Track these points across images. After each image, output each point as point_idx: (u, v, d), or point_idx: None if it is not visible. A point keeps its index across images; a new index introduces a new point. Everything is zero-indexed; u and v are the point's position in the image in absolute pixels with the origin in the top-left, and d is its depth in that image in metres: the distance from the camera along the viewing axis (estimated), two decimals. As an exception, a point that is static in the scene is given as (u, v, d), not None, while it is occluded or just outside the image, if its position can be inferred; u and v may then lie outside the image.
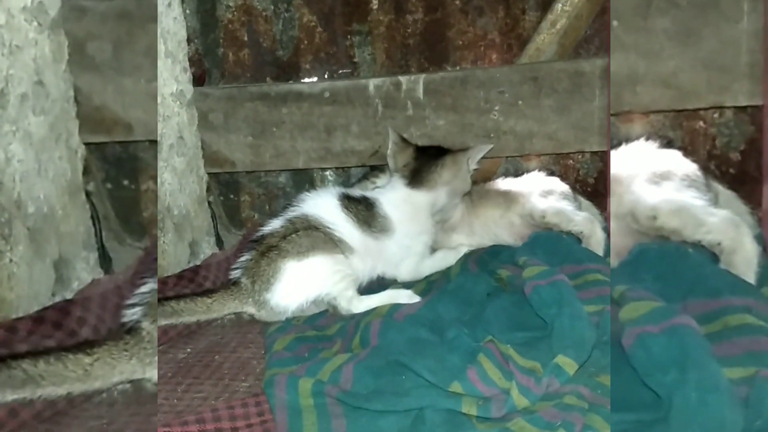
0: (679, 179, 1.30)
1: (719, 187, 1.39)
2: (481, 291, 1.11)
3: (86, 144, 1.40)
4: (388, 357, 0.93)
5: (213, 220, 1.63)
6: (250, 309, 1.20)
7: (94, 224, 1.43)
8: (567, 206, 1.41)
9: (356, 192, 1.37)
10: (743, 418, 0.76)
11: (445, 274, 1.32)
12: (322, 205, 1.29)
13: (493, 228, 1.45)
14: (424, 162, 1.39)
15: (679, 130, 1.54)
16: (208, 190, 1.62)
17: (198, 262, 1.45)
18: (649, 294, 0.97)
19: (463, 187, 1.41)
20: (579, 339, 0.91)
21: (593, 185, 1.62)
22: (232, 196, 1.76)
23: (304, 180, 1.70)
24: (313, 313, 1.24)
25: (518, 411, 0.83)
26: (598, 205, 1.56)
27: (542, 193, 1.44)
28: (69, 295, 1.28)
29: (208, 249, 1.54)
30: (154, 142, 1.58)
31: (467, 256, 1.35)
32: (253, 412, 0.91)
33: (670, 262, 1.10)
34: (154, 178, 1.61)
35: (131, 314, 1.07)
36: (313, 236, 1.21)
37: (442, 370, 0.88)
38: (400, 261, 1.34)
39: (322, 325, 1.19)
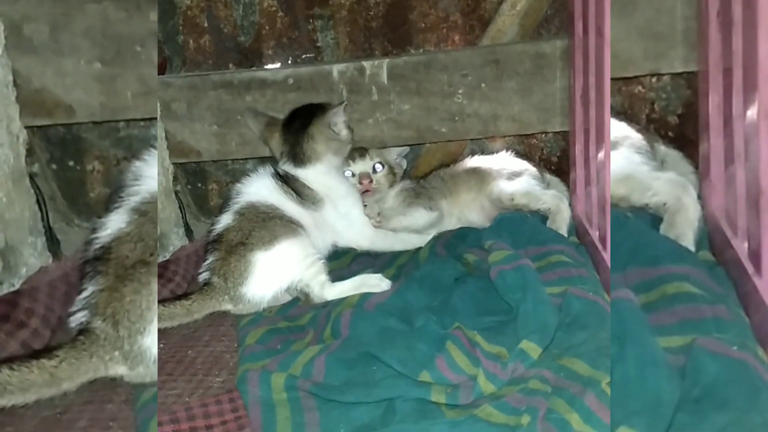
0: (626, 147, 1.34)
1: (665, 149, 1.44)
2: (449, 277, 1.14)
3: (28, 127, 1.39)
4: (358, 348, 0.96)
5: (181, 211, 1.62)
6: (227, 306, 1.21)
7: (40, 208, 1.42)
8: (534, 186, 1.43)
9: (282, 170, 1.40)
10: (679, 388, 0.80)
11: (414, 258, 1.34)
12: (262, 188, 1.31)
13: (466, 213, 1.47)
14: (293, 141, 1.39)
15: (618, 96, 1.58)
16: (175, 179, 1.61)
17: (167, 255, 1.45)
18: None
19: (342, 146, 1.42)
20: (542, 323, 0.94)
21: (557, 163, 1.65)
22: (199, 185, 1.75)
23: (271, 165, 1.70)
24: (286, 301, 1.26)
25: (485, 397, 0.86)
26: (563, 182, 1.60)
27: (510, 175, 1.46)
28: (17, 283, 1.27)
29: (177, 240, 1.54)
30: (97, 123, 1.57)
31: (436, 239, 1.37)
32: (227, 409, 0.93)
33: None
34: (100, 158, 1.61)
35: (80, 317, 1.06)
36: (272, 223, 1.23)
37: (411, 360, 0.91)
38: (344, 229, 1.37)
39: (293, 315, 1.20)
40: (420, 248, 1.36)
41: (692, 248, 1.20)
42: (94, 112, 1.47)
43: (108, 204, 1.19)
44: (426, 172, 1.58)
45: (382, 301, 1.10)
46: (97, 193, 1.64)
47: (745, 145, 1.05)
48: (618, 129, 1.36)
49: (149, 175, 1.20)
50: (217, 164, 1.71)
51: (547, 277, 1.11)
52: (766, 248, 0.95)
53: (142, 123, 1.59)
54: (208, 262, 1.23)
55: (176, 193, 1.60)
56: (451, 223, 1.47)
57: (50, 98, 1.44)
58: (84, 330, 1.04)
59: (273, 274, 1.20)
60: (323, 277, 1.22)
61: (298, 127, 1.39)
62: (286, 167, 1.39)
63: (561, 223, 1.34)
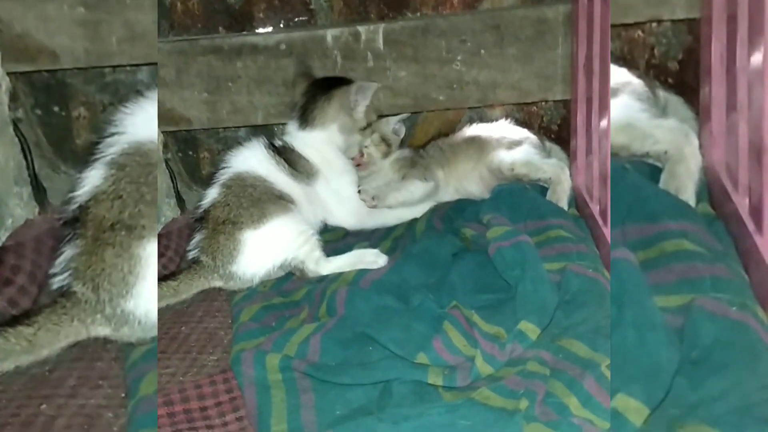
0: (626, 95, 1.31)
1: (666, 95, 1.40)
2: (446, 253, 1.12)
3: (11, 73, 1.35)
4: (354, 328, 0.94)
5: (172, 180, 1.58)
6: (217, 283, 1.18)
7: (25, 156, 1.38)
8: (535, 155, 1.40)
9: (278, 141, 1.36)
10: (678, 353, 0.80)
11: (410, 231, 1.32)
12: (252, 158, 1.26)
13: (465, 183, 1.44)
14: (311, 98, 1.37)
15: (617, 41, 1.52)
16: (165, 147, 1.57)
17: (159, 227, 1.42)
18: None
19: (352, 124, 1.38)
20: (541, 303, 0.93)
21: (557, 132, 1.61)
22: (190, 153, 1.70)
23: (264, 134, 1.65)
24: (280, 276, 1.24)
25: (483, 379, 0.85)
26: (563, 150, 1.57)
27: (510, 144, 1.43)
28: (3, 235, 1.24)
29: (169, 211, 1.51)
30: (82, 69, 1.51)
31: (433, 212, 1.34)
32: (222, 390, 0.92)
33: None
34: (86, 104, 1.56)
35: (60, 280, 1.03)
36: (261, 199, 1.19)
37: (408, 341, 0.89)
38: (335, 207, 1.34)
39: (288, 290, 1.18)
40: (416, 220, 1.33)
41: (692, 201, 1.18)
42: (79, 58, 1.42)
43: (87, 158, 1.09)
44: (424, 142, 1.55)
45: (378, 278, 1.08)
46: (83, 139, 1.59)
47: (748, 94, 1.02)
48: (618, 75, 1.32)
49: (129, 123, 1.10)
50: (209, 132, 1.66)
51: (545, 253, 1.10)
52: None
53: (128, 68, 1.53)
54: (195, 240, 1.20)
55: (167, 161, 1.56)
56: (448, 194, 1.44)
57: (33, 44, 1.39)
58: (65, 293, 1.02)
59: (264, 252, 1.16)
60: (317, 253, 1.19)
61: (323, 87, 1.36)
62: (291, 128, 1.37)
63: (562, 194, 1.32)
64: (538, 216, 1.20)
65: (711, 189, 1.19)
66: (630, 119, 1.27)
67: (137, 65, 1.53)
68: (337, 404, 0.85)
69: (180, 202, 1.59)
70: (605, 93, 1.14)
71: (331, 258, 1.21)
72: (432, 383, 0.84)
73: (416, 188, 1.39)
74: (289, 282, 1.21)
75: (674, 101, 1.40)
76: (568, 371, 0.82)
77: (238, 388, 0.91)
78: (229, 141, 1.67)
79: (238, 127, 1.60)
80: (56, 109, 1.59)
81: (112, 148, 1.06)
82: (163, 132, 1.53)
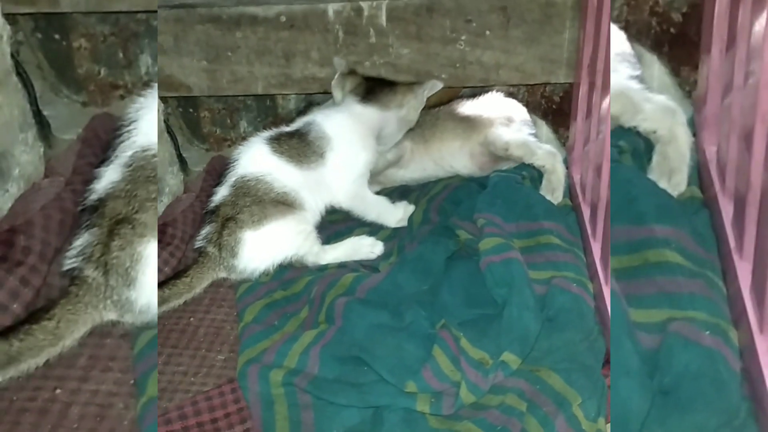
0: (619, 62, 1.31)
1: (641, 50, 1.41)
2: (440, 260, 1.17)
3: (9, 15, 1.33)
4: (351, 347, 1.02)
5: (174, 142, 1.59)
6: (222, 274, 1.25)
7: (27, 91, 1.39)
8: (530, 138, 1.42)
9: (289, 127, 1.37)
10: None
11: (408, 220, 1.36)
12: (253, 158, 1.30)
13: (449, 160, 1.46)
14: (378, 83, 1.41)
15: None
16: (165, 102, 1.57)
17: (164, 199, 1.45)
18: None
19: (411, 118, 1.42)
20: (524, 332, 1.00)
21: (558, 103, 1.60)
22: (191, 110, 1.70)
23: (266, 95, 1.64)
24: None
25: (467, 407, 0.94)
26: (562, 124, 1.57)
27: (504, 120, 1.44)
28: (12, 186, 1.28)
29: (172, 179, 1.53)
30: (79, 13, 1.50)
31: (429, 202, 1.38)
32: (230, 400, 1.01)
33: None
34: (86, 35, 1.54)
35: (70, 263, 1.12)
36: (263, 200, 1.24)
37: (399, 368, 0.97)
38: (338, 183, 1.34)
39: (289, 280, 1.25)
40: (414, 211, 1.36)
41: (684, 184, 1.22)
42: (78, 3, 1.40)
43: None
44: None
45: (374, 286, 1.14)
46: (85, 69, 1.58)
47: (745, 76, 1.00)
48: (616, 41, 1.31)
49: (141, 128, 1.23)
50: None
51: (534, 260, 1.15)
52: (750, 235, 0.98)
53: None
54: (204, 231, 1.26)
55: (167, 125, 1.57)
56: (426, 168, 1.46)
57: None
58: (74, 281, 1.10)
59: (264, 251, 1.23)
60: (316, 248, 1.26)
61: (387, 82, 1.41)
62: (347, 100, 1.40)
63: (557, 184, 1.34)
64: (532, 217, 1.24)
65: (700, 172, 1.22)
66: (623, 88, 1.27)
67: (137, 12, 1.49)
68: (334, 423, 0.95)
69: (183, 164, 1.61)
70: (607, 78, 1.11)
71: (328, 248, 1.28)
72: (420, 410, 0.93)
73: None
74: (290, 271, 1.27)
75: (648, 58, 1.39)
76: (543, 407, 0.91)
77: (244, 398, 1.00)
78: (230, 101, 1.66)
79: (239, 96, 1.59)
80: (57, 36, 1.57)
81: (127, 152, 1.20)
82: (162, 97, 1.53)
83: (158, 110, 1.43)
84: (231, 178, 1.28)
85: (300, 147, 1.32)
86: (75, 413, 0.97)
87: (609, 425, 0.92)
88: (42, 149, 1.40)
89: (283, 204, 1.25)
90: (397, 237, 1.32)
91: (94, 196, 1.18)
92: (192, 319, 1.20)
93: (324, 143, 1.33)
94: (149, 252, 1.12)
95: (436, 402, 0.94)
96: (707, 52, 1.17)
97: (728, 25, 1.08)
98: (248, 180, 1.26)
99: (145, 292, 1.11)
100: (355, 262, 1.28)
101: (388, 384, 0.96)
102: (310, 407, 0.97)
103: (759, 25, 0.91)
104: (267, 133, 1.33)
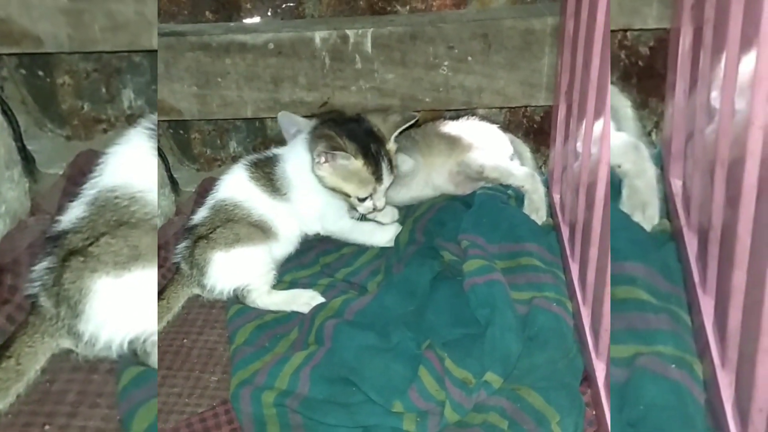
0: None
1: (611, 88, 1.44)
2: (425, 282, 1.21)
3: None
4: (339, 368, 1.06)
5: (165, 163, 1.63)
6: (196, 291, 1.30)
7: (12, 128, 1.43)
8: (505, 161, 1.45)
9: (267, 153, 1.40)
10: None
11: (395, 241, 1.40)
12: (234, 184, 1.34)
13: (433, 177, 1.49)
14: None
15: None
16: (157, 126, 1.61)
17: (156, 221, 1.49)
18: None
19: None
20: (506, 352, 1.04)
21: (539, 123, 1.66)
22: (181, 132, 1.74)
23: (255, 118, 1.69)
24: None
25: (451, 426, 0.98)
26: (543, 143, 1.62)
27: (481, 144, 1.47)
28: None
29: (164, 201, 1.57)
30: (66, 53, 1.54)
31: (415, 222, 1.42)
32: (224, 421, 1.05)
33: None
34: (69, 72, 1.60)
35: (33, 287, 1.14)
36: (237, 226, 1.28)
37: (386, 388, 1.01)
38: (315, 218, 1.37)
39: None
40: (400, 231, 1.41)
41: (657, 217, 1.26)
42: (62, 44, 1.45)
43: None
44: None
45: (361, 308, 1.18)
46: (68, 104, 1.64)
47: (708, 113, 1.02)
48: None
49: (109, 169, 1.22)
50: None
51: (515, 281, 1.19)
52: (712, 271, 1.02)
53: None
54: (180, 246, 1.31)
55: (160, 152, 1.60)
56: (417, 185, 1.50)
57: (17, 29, 1.42)
58: (34, 307, 1.14)
59: (228, 273, 1.27)
60: (265, 287, 1.27)
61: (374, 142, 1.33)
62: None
63: (539, 203, 1.38)
64: (515, 238, 1.28)
65: (667, 205, 1.26)
66: None
67: (120, 52, 1.55)
68: (325, 443, 0.99)
69: (174, 185, 1.65)
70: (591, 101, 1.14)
71: (273, 292, 1.28)
72: (406, 430, 0.98)
73: (403, 161, 1.44)
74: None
75: (612, 91, 1.43)
76: (523, 425, 0.96)
77: (237, 419, 1.04)
78: (220, 123, 1.70)
79: (229, 119, 1.63)
80: (41, 73, 1.61)
81: (212, 200, 1.33)
82: (154, 121, 1.57)
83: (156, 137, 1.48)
84: (210, 201, 1.33)
85: (272, 177, 1.35)
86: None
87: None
88: (27, 185, 1.45)
89: (259, 230, 1.29)
90: (384, 256, 1.36)
91: (58, 227, 1.18)
92: (185, 340, 1.24)
93: (285, 183, 1.35)
94: (99, 287, 1.12)
95: (422, 421, 0.98)
96: (672, 91, 1.21)
97: (691, 66, 1.12)
98: (226, 204, 1.30)
99: (92, 325, 1.11)
100: (344, 281, 1.33)
101: (375, 404, 1.00)
102: (301, 427, 1.01)
103: (717, 74, 0.95)
104: (250, 158, 1.38)
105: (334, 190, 1.32)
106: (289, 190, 1.34)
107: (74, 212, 1.19)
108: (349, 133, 1.29)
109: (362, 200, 1.33)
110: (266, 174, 1.35)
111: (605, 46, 1.01)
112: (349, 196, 1.32)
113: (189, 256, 1.28)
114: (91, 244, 1.14)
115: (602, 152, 0.96)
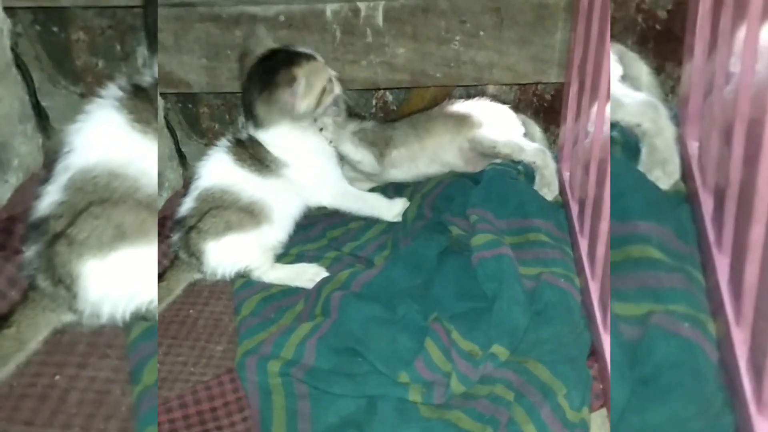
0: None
1: (629, 54, 1.43)
2: (432, 255, 1.21)
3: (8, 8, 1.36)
4: (345, 339, 1.06)
5: (173, 137, 1.63)
6: (197, 276, 1.28)
7: (26, 84, 1.42)
8: (517, 137, 1.44)
9: (245, 133, 1.36)
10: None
11: (402, 216, 1.39)
12: (216, 170, 1.30)
13: (441, 154, 1.47)
14: (249, 99, 1.33)
15: None
16: (164, 98, 1.60)
17: (164, 194, 1.49)
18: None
19: (303, 115, 1.32)
20: (513, 326, 1.03)
21: (550, 101, 1.64)
22: (190, 106, 1.73)
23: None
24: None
25: (457, 397, 0.98)
26: (553, 122, 1.61)
27: (492, 121, 1.46)
28: (11, 177, 1.32)
29: (172, 174, 1.57)
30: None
31: (423, 198, 1.41)
32: (229, 389, 1.05)
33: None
34: (84, 28, 1.57)
35: (26, 275, 1.13)
36: (226, 213, 1.26)
37: (393, 359, 1.01)
38: (313, 187, 1.35)
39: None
40: (408, 207, 1.40)
41: (677, 173, 1.26)
42: None
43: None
44: (420, 107, 1.57)
45: (368, 281, 1.18)
46: (83, 61, 1.61)
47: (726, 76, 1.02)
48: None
49: (80, 147, 1.16)
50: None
51: (523, 256, 1.19)
52: (728, 229, 1.01)
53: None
54: (174, 238, 1.29)
55: (167, 120, 1.60)
56: (423, 164, 1.49)
57: None
58: (31, 286, 1.12)
59: (224, 261, 1.26)
60: (267, 265, 1.27)
61: (258, 85, 1.29)
62: (249, 128, 1.35)
63: (551, 179, 1.37)
64: (523, 214, 1.27)
65: (683, 167, 1.26)
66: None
67: (132, 7, 1.51)
68: (330, 411, 0.99)
69: (182, 159, 1.65)
70: (605, 77, 1.12)
71: (277, 266, 1.29)
72: (412, 400, 0.97)
73: (364, 157, 1.44)
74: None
75: (630, 57, 1.42)
76: (529, 397, 0.95)
77: (243, 388, 1.04)
78: (228, 97, 1.69)
79: (238, 93, 1.62)
80: (55, 29, 1.60)
81: (195, 190, 1.28)
82: (161, 94, 1.56)
83: (159, 107, 1.47)
84: (195, 192, 1.29)
85: (260, 156, 1.32)
86: (74, 399, 1.01)
87: (592, 414, 0.97)
88: (41, 140, 1.44)
89: (250, 214, 1.27)
90: (392, 231, 1.36)
91: (38, 213, 1.13)
92: (191, 311, 1.24)
93: (277, 160, 1.32)
94: (88, 270, 1.09)
95: (428, 392, 0.98)
96: (690, 52, 1.21)
97: (710, 28, 1.11)
98: (213, 192, 1.27)
99: (90, 303, 1.10)
100: (350, 255, 1.32)
101: (381, 374, 1.00)
102: (306, 397, 1.01)
103: (740, 32, 0.94)
104: (228, 141, 1.34)
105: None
106: (284, 166, 1.31)
107: (51, 197, 1.13)
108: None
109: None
110: (253, 154, 1.32)
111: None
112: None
113: (184, 246, 1.27)
114: (72, 227, 1.09)
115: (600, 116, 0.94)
